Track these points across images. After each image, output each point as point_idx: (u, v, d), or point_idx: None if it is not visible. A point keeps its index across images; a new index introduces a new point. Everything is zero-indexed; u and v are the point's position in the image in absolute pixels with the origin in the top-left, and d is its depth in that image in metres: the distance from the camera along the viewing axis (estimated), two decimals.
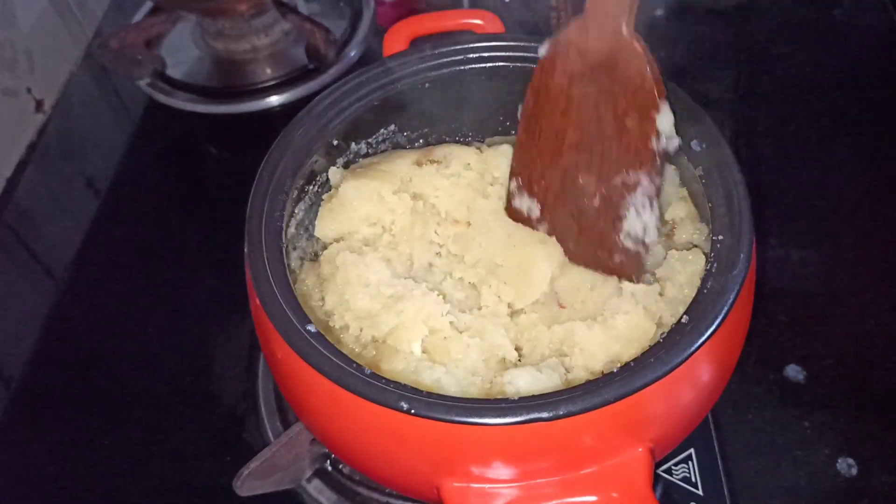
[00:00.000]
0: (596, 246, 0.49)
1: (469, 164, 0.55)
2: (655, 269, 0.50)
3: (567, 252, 0.51)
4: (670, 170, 0.52)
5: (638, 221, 0.47)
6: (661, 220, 0.52)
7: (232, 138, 0.85)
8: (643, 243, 0.47)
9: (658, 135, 0.44)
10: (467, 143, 0.60)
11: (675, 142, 0.45)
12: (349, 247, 0.52)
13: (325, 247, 0.53)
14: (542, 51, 0.47)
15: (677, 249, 0.50)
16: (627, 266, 0.49)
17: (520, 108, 0.50)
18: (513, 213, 0.53)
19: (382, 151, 0.58)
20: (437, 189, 0.54)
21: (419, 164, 0.55)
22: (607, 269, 0.50)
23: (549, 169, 0.49)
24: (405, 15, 0.60)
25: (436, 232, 0.53)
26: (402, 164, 0.55)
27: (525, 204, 0.51)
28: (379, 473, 0.47)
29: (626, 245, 0.48)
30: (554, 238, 0.51)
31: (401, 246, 0.53)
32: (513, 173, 0.52)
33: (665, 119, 0.44)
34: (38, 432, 0.63)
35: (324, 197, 0.54)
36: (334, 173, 0.54)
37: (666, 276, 0.49)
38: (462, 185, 0.54)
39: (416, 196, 0.54)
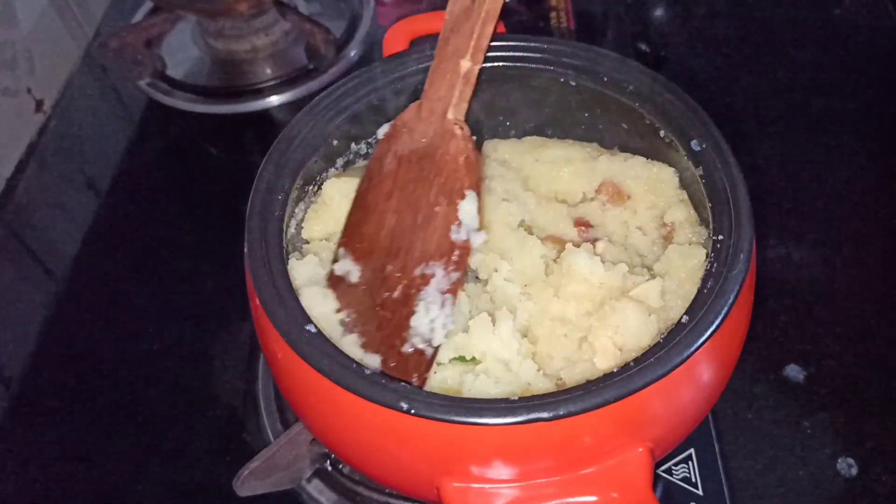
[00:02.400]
0: (388, 345, 0.45)
1: None
2: (654, 265, 0.50)
3: (369, 341, 0.46)
4: (670, 171, 0.52)
5: (426, 318, 0.44)
6: (660, 223, 0.52)
7: (232, 138, 0.85)
8: (430, 344, 0.44)
9: (459, 224, 0.43)
10: None
11: (480, 237, 0.43)
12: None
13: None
14: (381, 132, 0.48)
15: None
16: (411, 367, 0.44)
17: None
18: (333, 281, 0.48)
19: None
20: None
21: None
22: (394, 367, 0.45)
23: (365, 255, 0.47)
24: (405, 15, 0.60)
25: None
26: None
27: (347, 268, 0.48)
28: (379, 473, 0.47)
29: (414, 344, 0.44)
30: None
31: None
32: (339, 244, 0.50)
33: (467, 207, 0.43)
34: (38, 432, 0.63)
35: (314, 199, 0.54)
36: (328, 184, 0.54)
37: (665, 271, 0.49)
38: None
39: None
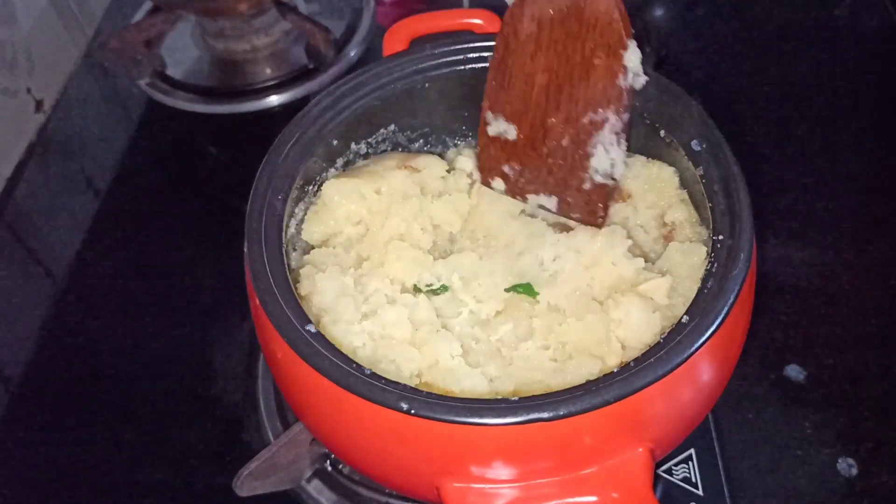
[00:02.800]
0: (564, 185, 0.51)
1: (443, 177, 0.56)
2: (655, 263, 0.50)
3: (536, 193, 0.52)
4: (670, 171, 0.52)
5: (606, 158, 0.48)
6: (661, 222, 0.52)
7: (232, 138, 0.85)
8: (611, 177, 0.49)
9: (625, 72, 0.46)
10: (467, 143, 0.60)
11: (642, 79, 0.46)
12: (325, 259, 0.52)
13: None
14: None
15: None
16: (595, 199, 0.50)
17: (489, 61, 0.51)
18: (485, 150, 0.53)
19: (382, 152, 0.58)
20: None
21: (398, 167, 0.55)
22: (576, 209, 0.51)
23: (518, 114, 0.50)
24: (405, 15, 0.60)
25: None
26: (388, 166, 0.55)
27: (501, 128, 0.52)
28: (379, 473, 0.47)
29: (595, 180, 0.49)
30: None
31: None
32: (485, 108, 0.53)
33: (632, 56, 0.45)
34: (38, 432, 0.63)
35: (314, 200, 0.54)
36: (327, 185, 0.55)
37: (666, 269, 0.49)
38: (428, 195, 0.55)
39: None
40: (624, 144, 0.48)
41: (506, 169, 0.53)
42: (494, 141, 0.52)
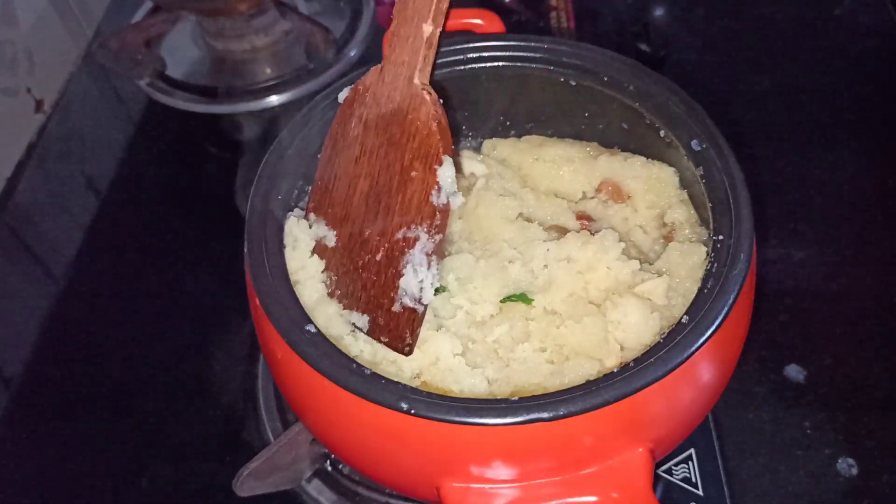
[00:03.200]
0: (376, 305, 0.47)
1: None
2: (655, 263, 0.50)
3: (351, 302, 0.48)
4: (670, 171, 0.52)
5: (415, 279, 0.45)
6: (661, 223, 0.52)
7: (232, 138, 0.85)
8: (420, 302, 0.45)
9: (439, 188, 0.44)
10: (466, 144, 0.60)
11: (458, 199, 0.44)
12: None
13: None
14: (342, 96, 0.48)
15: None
16: (403, 325, 0.46)
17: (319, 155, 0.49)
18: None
19: None
20: None
21: None
22: (385, 332, 0.46)
23: (339, 220, 0.48)
24: None
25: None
26: None
27: (321, 232, 0.49)
28: (379, 474, 0.47)
29: (404, 304, 0.46)
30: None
31: None
32: (308, 209, 0.50)
33: (446, 173, 0.43)
34: (38, 432, 0.63)
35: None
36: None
37: (665, 269, 0.48)
38: None
39: None
40: (435, 268, 0.45)
41: (323, 278, 0.49)
42: (316, 246, 0.49)
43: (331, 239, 0.48)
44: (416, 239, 0.45)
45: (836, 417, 0.59)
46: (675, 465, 0.56)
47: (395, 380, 0.40)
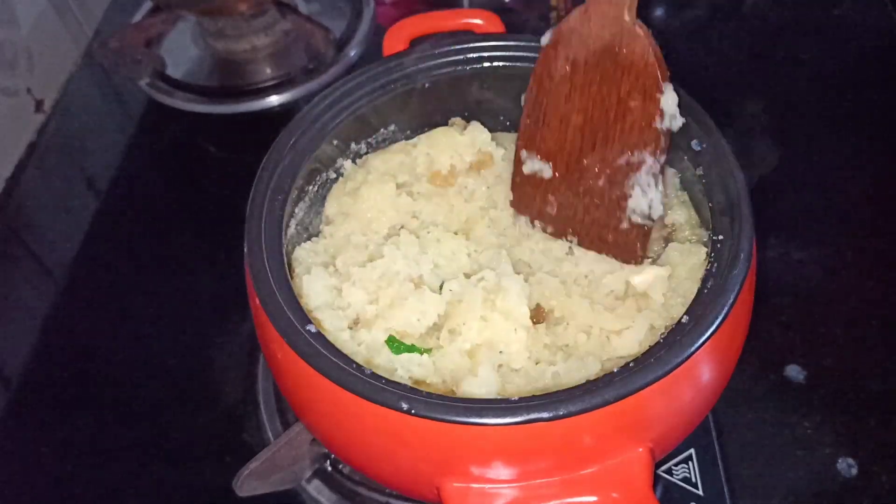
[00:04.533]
0: (601, 224, 0.51)
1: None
2: (654, 262, 0.50)
3: (574, 232, 0.52)
4: (670, 173, 0.52)
5: (643, 199, 0.48)
6: (661, 223, 0.52)
7: (232, 138, 0.85)
8: (650, 218, 0.49)
9: (662, 115, 0.46)
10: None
11: (679, 121, 0.46)
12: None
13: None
14: (545, 39, 0.48)
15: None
16: (633, 239, 0.50)
17: (523, 97, 0.51)
18: (520, 188, 0.53)
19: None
20: None
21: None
22: (613, 248, 0.51)
23: (553, 153, 0.50)
24: (405, 15, 0.60)
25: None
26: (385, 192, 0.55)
27: (536, 166, 0.52)
28: (379, 474, 0.47)
29: (632, 221, 0.49)
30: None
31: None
32: (519, 147, 0.53)
33: (669, 99, 0.45)
34: (38, 432, 0.63)
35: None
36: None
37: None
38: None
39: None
40: (661, 186, 0.48)
41: (542, 207, 0.53)
42: (530, 179, 0.52)
43: (546, 171, 0.51)
44: (642, 162, 0.47)
45: (836, 417, 0.59)
46: (675, 465, 0.56)
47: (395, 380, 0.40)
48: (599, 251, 0.52)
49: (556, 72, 0.48)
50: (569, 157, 0.50)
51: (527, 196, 0.53)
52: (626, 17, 0.45)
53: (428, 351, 0.47)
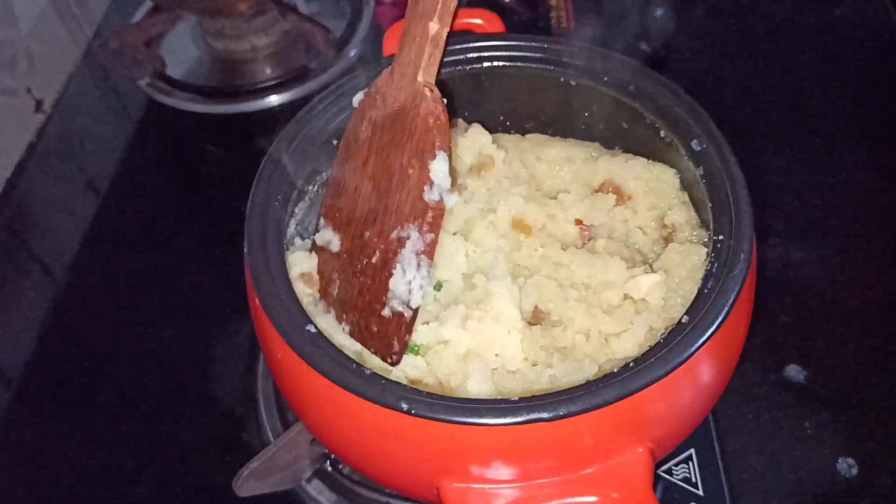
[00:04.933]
0: (369, 311, 0.46)
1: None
2: (654, 263, 0.50)
3: (347, 320, 0.48)
4: (671, 173, 0.52)
5: (403, 280, 0.44)
6: (662, 223, 0.52)
7: (232, 138, 0.85)
8: (408, 306, 0.44)
9: (431, 184, 0.43)
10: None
11: (453, 199, 0.44)
12: None
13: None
14: (356, 100, 0.48)
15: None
16: (392, 332, 0.45)
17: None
18: (316, 251, 0.51)
19: None
20: None
21: None
22: (375, 340, 0.46)
23: (344, 224, 0.48)
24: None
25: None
26: None
27: (328, 237, 0.49)
28: (379, 474, 0.47)
29: (393, 307, 0.45)
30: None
31: None
32: (320, 214, 0.50)
33: (438, 167, 0.43)
34: (38, 432, 0.63)
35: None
36: None
37: (665, 269, 0.48)
38: None
39: None
40: (425, 269, 0.44)
41: (329, 286, 0.49)
42: (322, 251, 0.50)
43: (335, 244, 0.48)
44: (408, 237, 0.44)
45: (836, 417, 0.59)
46: (675, 465, 0.56)
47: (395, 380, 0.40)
48: (365, 345, 0.47)
49: (360, 135, 0.47)
50: (355, 228, 0.47)
51: (319, 273, 0.50)
52: (420, 78, 0.44)
53: (423, 352, 0.47)
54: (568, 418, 0.37)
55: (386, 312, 0.45)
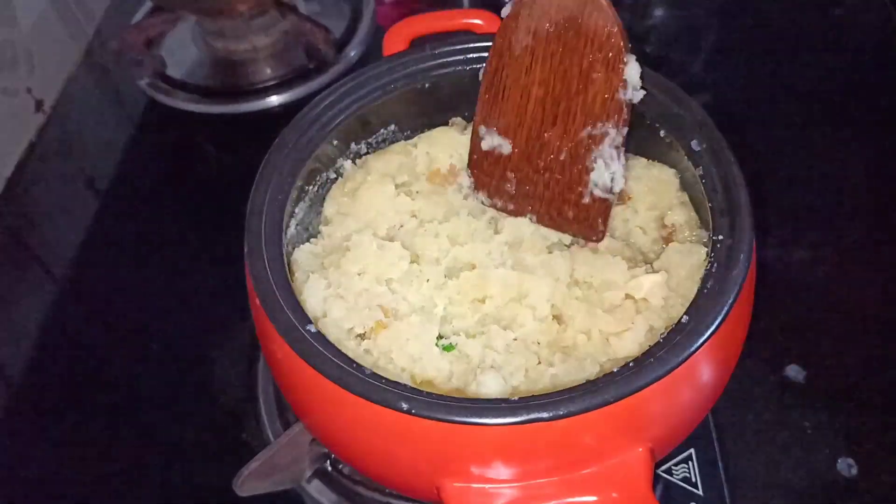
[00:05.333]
0: (562, 200, 0.50)
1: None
2: (654, 263, 0.50)
3: (533, 210, 0.52)
4: (671, 173, 0.52)
5: (606, 172, 0.48)
6: (662, 224, 0.52)
7: (232, 138, 0.85)
8: (611, 192, 0.49)
9: (625, 86, 0.46)
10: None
11: (640, 93, 0.46)
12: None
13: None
14: (506, 10, 0.48)
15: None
16: (595, 214, 0.50)
17: (481, 72, 0.51)
18: (478, 164, 0.53)
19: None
20: None
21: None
22: (574, 224, 0.51)
23: (513, 128, 0.50)
24: (405, 15, 0.60)
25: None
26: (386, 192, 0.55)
27: (495, 142, 0.51)
28: (379, 473, 0.47)
29: (594, 195, 0.49)
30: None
31: None
32: (477, 122, 0.52)
33: (632, 70, 0.45)
34: (38, 432, 0.63)
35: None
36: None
37: (665, 269, 0.48)
38: None
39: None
40: (623, 158, 0.48)
41: (501, 184, 0.52)
42: (488, 155, 0.52)
43: (505, 147, 0.51)
44: (605, 135, 0.47)
45: (836, 417, 0.59)
46: (675, 465, 0.56)
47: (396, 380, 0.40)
48: (560, 229, 0.52)
49: (517, 43, 0.48)
50: (529, 131, 0.50)
51: (485, 173, 0.53)
52: None
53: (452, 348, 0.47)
54: (568, 418, 0.37)
55: (587, 200, 0.49)
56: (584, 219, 0.50)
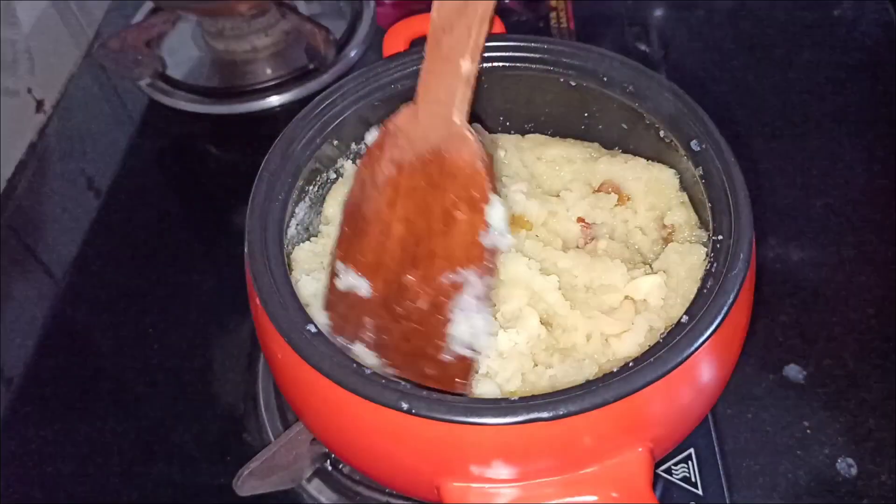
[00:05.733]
0: (421, 355, 0.45)
1: None
2: (653, 263, 0.50)
3: (390, 360, 0.46)
4: (671, 173, 0.52)
5: (465, 325, 0.43)
6: (661, 225, 0.52)
7: (232, 138, 0.85)
8: (472, 349, 0.44)
9: (487, 228, 0.42)
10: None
11: (508, 240, 0.43)
12: None
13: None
14: (370, 138, 0.46)
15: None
16: (453, 372, 0.44)
17: (343, 202, 0.48)
18: (334, 306, 0.47)
19: None
20: None
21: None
22: (434, 382, 0.44)
23: (372, 268, 0.46)
24: (405, 15, 0.60)
25: None
26: None
27: (352, 282, 0.46)
28: (379, 473, 0.47)
29: (453, 350, 0.44)
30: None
31: None
32: (336, 258, 0.48)
33: (495, 213, 0.42)
34: (38, 432, 0.63)
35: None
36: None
37: (665, 269, 0.48)
38: None
39: None
40: (487, 311, 0.43)
41: (359, 330, 0.46)
42: (344, 297, 0.46)
43: (363, 288, 0.46)
44: (465, 283, 0.43)
45: (836, 417, 0.59)
46: (675, 464, 0.56)
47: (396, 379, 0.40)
48: (422, 384, 0.44)
49: (381, 174, 0.44)
50: (388, 273, 0.45)
51: (341, 317, 0.46)
52: (455, 119, 0.42)
53: None
54: (568, 418, 0.37)
55: (446, 356, 0.44)
56: (444, 378, 0.44)
